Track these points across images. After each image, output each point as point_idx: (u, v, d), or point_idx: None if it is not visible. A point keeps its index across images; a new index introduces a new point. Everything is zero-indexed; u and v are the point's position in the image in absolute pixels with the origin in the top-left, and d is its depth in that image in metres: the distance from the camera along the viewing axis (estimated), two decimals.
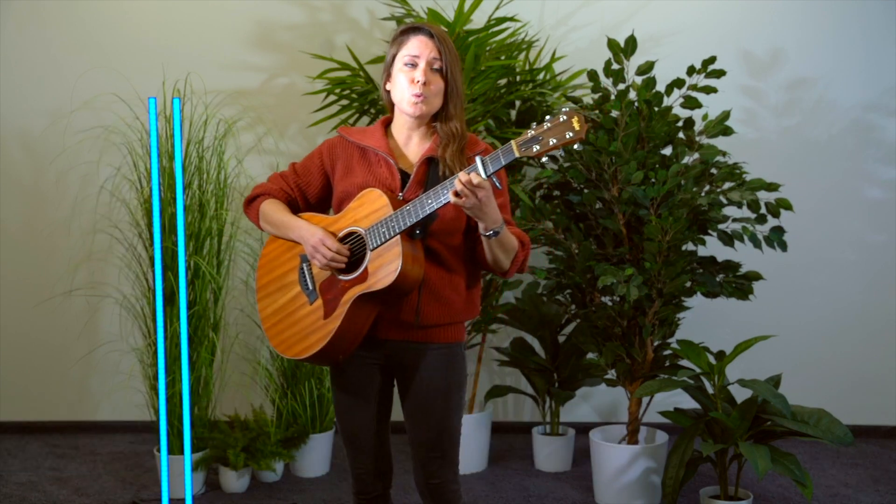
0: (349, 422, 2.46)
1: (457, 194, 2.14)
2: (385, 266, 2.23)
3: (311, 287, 2.36)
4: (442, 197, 2.19)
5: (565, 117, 2.11)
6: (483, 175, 2.14)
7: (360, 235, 2.30)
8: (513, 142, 2.14)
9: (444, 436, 2.41)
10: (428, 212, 2.20)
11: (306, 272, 2.38)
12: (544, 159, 3.60)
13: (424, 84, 2.30)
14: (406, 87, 2.32)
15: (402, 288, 2.25)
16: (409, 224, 2.22)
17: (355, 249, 2.31)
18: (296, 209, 2.47)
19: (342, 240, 2.33)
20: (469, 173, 2.14)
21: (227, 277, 3.91)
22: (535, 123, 2.16)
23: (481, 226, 2.23)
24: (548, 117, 2.14)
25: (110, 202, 4.08)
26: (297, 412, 3.91)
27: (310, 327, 2.34)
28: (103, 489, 3.81)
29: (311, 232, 2.33)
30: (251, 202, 2.50)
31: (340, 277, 2.30)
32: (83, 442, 4.41)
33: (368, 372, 2.43)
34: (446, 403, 2.40)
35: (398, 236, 2.23)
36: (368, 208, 2.29)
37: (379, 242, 2.25)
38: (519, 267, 2.38)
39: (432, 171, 2.32)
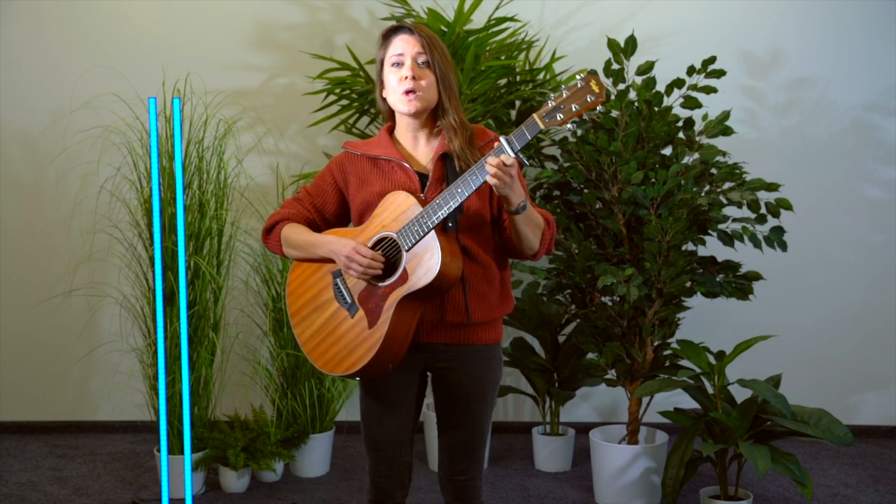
0: (378, 430, 2.43)
1: (493, 176, 2.13)
2: (424, 263, 2.20)
3: (349, 300, 2.31)
4: (472, 183, 2.17)
5: (583, 83, 2.10)
6: (511, 154, 2.14)
7: (391, 239, 2.27)
8: (535, 115, 2.13)
9: (476, 436, 2.41)
10: (460, 200, 2.18)
11: (342, 286, 2.33)
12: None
13: (414, 79, 2.29)
14: (397, 87, 2.32)
15: (444, 282, 2.22)
16: (442, 216, 2.19)
17: (388, 254, 2.28)
18: (315, 230, 2.43)
19: (373, 247, 2.29)
20: (498, 155, 2.13)
21: (227, 277, 3.91)
22: (552, 94, 2.15)
23: (508, 205, 2.21)
24: (563, 86, 2.13)
25: (110, 202, 4.08)
26: (297, 412, 3.91)
27: (355, 340, 2.29)
28: (103, 489, 3.81)
29: (342, 244, 2.29)
30: (270, 231, 2.44)
31: (379, 284, 2.27)
32: (83, 442, 4.41)
33: (404, 378, 2.39)
34: (483, 405, 2.39)
35: (433, 231, 2.20)
36: (396, 211, 2.27)
37: (414, 241, 2.22)
38: (547, 246, 2.36)
39: (449, 168, 2.31)
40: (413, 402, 2.44)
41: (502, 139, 2.15)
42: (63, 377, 4.54)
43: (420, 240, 2.21)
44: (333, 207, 2.45)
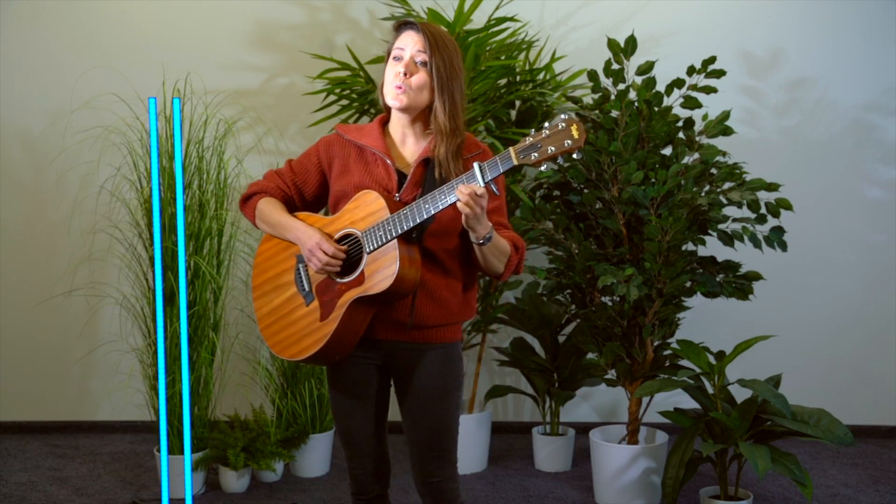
0: (347, 423, 2.46)
1: (465, 205, 2.14)
2: (382, 270, 2.23)
3: (307, 288, 2.36)
4: (440, 202, 2.18)
5: (564, 125, 2.10)
6: (481, 183, 2.15)
7: (356, 238, 2.30)
8: (511, 149, 2.14)
9: (442, 435, 2.41)
10: (425, 216, 2.20)
11: (302, 273, 2.37)
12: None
13: (405, 76, 2.29)
14: (390, 80, 2.33)
15: (399, 291, 2.25)
16: (406, 228, 2.21)
17: (352, 251, 2.31)
18: (292, 207, 2.47)
19: (339, 241, 2.32)
20: (468, 182, 2.14)
21: (227, 277, 3.91)
22: (533, 130, 2.15)
23: (473, 235, 2.23)
24: (546, 124, 2.13)
25: (110, 202, 4.08)
26: (297, 412, 3.91)
27: (306, 329, 2.34)
28: (103, 489, 3.81)
29: (308, 234, 2.32)
30: (247, 200, 2.49)
31: (337, 280, 2.30)
32: (83, 442, 4.41)
33: (366, 373, 2.42)
34: (444, 403, 2.40)
35: (395, 240, 2.23)
36: (365, 210, 2.29)
37: (376, 245, 2.25)
38: (513, 270, 2.38)
39: (429, 173, 2.31)
40: (377, 395, 2.46)
41: (476, 166, 2.15)
42: (63, 377, 4.54)
43: (382, 245, 2.24)
44: (313, 188, 2.47)
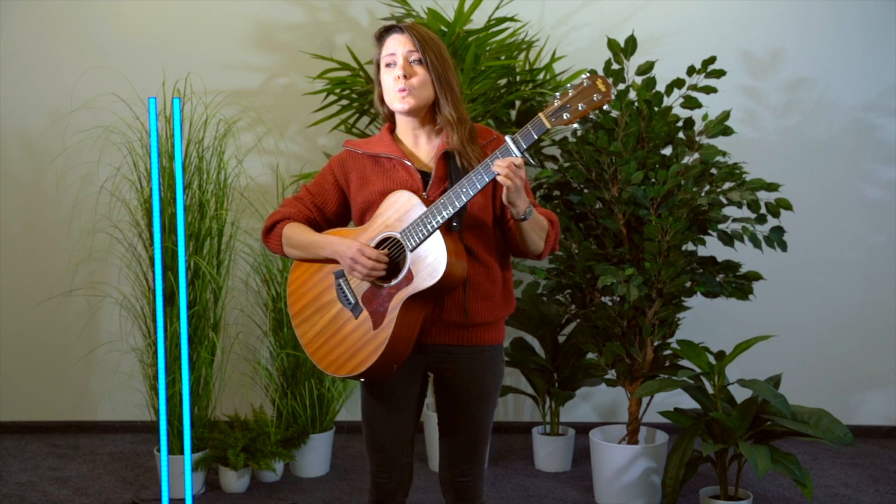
0: (380, 431, 2.42)
1: (506, 178, 2.12)
2: (429, 263, 2.19)
3: (353, 301, 2.30)
4: (478, 183, 2.16)
5: (589, 81, 2.10)
6: (517, 153, 2.13)
7: (395, 240, 2.26)
8: (541, 114, 2.13)
9: (478, 437, 2.41)
10: (465, 200, 2.17)
11: (345, 287, 2.31)
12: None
13: (406, 77, 2.28)
14: (391, 86, 2.31)
15: (448, 283, 2.21)
16: (447, 217, 2.18)
17: (392, 254, 2.27)
18: (316, 229, 2.41)
19: (376, 247, 2.28)
20: (504, 156, 2.13)
21: (227, 277, 3.91)
22: (558, 93, 2.13)
23: (514, 211, 2.20)
24: (569, 85, 2.12)
25: (110, 202, 4.08)
26: (297, 412, 3.91)
27: (359, 341, 2.28)
28: (103, 489, 3.81)
29: (345, 245, 2.27)
30: (270, 230, 2.42)
31: (384, 285, 2.25)
32: (83, 442, 4.41)
33: (407, 380, 2.38)
34: (485, 406, 2.39)
35: (438, 231, 2.19)
36: (399, 210, 2.26)
37: (418, 241, 2.21)
38: (552, 246, 2.36)
39: (452, 165, 2.30)
40: (415, 403, 2.43)
41: (508, 139, 2.14)
42: (63, 377, 4.54)
43: (424, 240, 2.20)
44: (335, 206, 2.43)
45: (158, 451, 3.68)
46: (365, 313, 2.28)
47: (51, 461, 4.15)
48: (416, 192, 2.28)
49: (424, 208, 2.21)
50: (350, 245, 2.26)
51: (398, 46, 2.31)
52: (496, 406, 2.45)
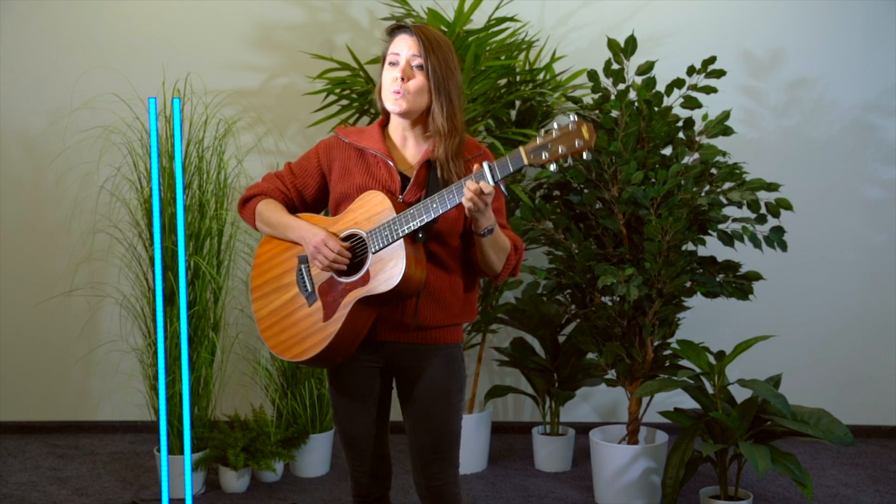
0: (348, 425, 2.46)
1: (469, 201, 2.14)
2: (388, 269, 2.22)
3: (309, 289, 2.34)
4: (448, 202, 2.18)
5: (574, 126, 2.11)
6: (491, 182, 2.14)
7: (361, 238, 2.29)
8: (521, 149, 2.14)
9: (444, 438, 2.40)
10: (433, 216, 2.20)
11: (305, 274, 2.36)
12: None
13: (403, 80, 2.29)
14: (387, 85, 2.32)
15: (404, 291, 2.24)
16: (413, 228, 2.21)
17: (356, 251, 2.30)
18: (292, 210, 2.45)
19: (343, 241, 2.31)
20: (478, 181, 2.14)
21: (227, 277, 3.91)
22: (542, 130, 2.14)
23: (475, 225, 2.23)
24: (555, 125, 2.13)
25: (110, 202, 4.08)
26: (297, 412, 3.91)
27: (308, 329, 2.32)
28: (103, 489, 3.81)
29: (312, 232, 2.31)
30: (246, 202, 2.47)
31: (341, 280, 2.29)
32: (83, 442, 4.41)
33: (368, 375, 2.42)
34: (446, 405, 2.39)
35: (401, 240, 2.22)
36: (370, 210, 2.28)
37: (382, 245, 2.24)
38: (511, 271, 2.37)
39: (432, 174, 2.31)
40: (378, 397, 2.45)
41: (485, 165, 2.15)
42: (63, 377, 4.54)
43: (388, 245, 2.23)
44: (313, 191, 2.46)
45: (158, 451, 3.68)
46: (318, 303, 2.32)
47: (51, 461, 4.15)
48: (392, 193, 2.31)
49: (394, 214, 2.24)
50: (317, 233, 2.30)
51: (404, 47, 2.31)
52: (461, 407, 2.45)
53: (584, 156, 2.12)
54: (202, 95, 4.06)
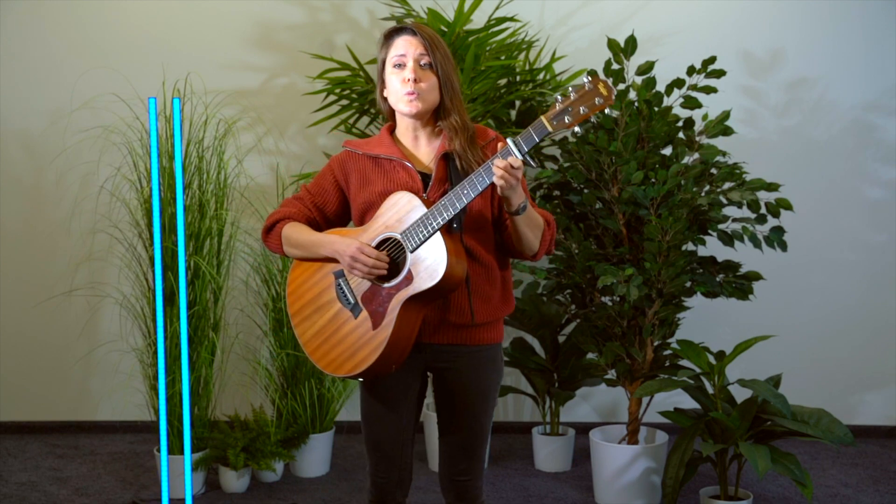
0: (378, 430, 2.42)
1: (500, 178, 2.13)
2: (430, 265, 2.20)
3: (352, 301, 2.30)
4: (479, 185, 2.17)
5: (591, 85, 2.11)
6: (518, 156, 2.14)
7: (395, 240, 2.27)
8: (542, 117, 2.13)
9: (477, 437, 2.41)
10: (466, 202, 2.18)
11: (344, 287, 2.31)
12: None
13: (415, 81, 2.29)
14: (399, 88, 2.31)
15: (449, 284, 2.22)
16: (448, 218, 2.19)
17: (392, 255, 2.28)
18: (316, 229, 2.42)
19: (377, 247, 2.28)
20: (505, 158, 2.13)
21: (227, 277, 3.91)
22: (559, 96, 2.13)
23: (507, 205, 2.21)
24: (571, 87, 2.13)
25: (110, 202, 4.08)
26: (297, 412, 3.91)
27: (359, 341, 2.28)
28: (103, 489, 3.81)
29: (346, 244, 2.27)
30: (270, 230, 2.43)
31: (384, 286, 2.26)
32: (83, 442, 4.41)
33: (406, 379, 2.39)
34: (484, 405, 2.39)
35: (438, 232, 2.20)
36: (399, 211, 2.26)
37: (419, 242, 2.22)
38: (548, 247, 2.36)
39: (452, 167, 2.31)
40: (414, 402, 2.43)
41: (510, 141, 2.15)
42: (63, 377, 4.54)
43: (425, 241, 2.21)
44: (334, 206, 2.43)
45: (158, 451, 3.68)
46: (364, 313, 2.28)
47: (51, 461, 4.15)
48: (416, 193, 2.28)
49: (425, 209, 2.22)
50: (350, 244, 2.26)
51: (409, 48, 2.31)
52: (495, 405, 2.45)
53: (607, 111, 2.12)
54: (202, 95, 4.06)
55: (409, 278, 2.22)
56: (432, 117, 2.36)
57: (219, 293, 3.82)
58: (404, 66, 2.31)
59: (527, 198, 2.25)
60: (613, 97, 2.10)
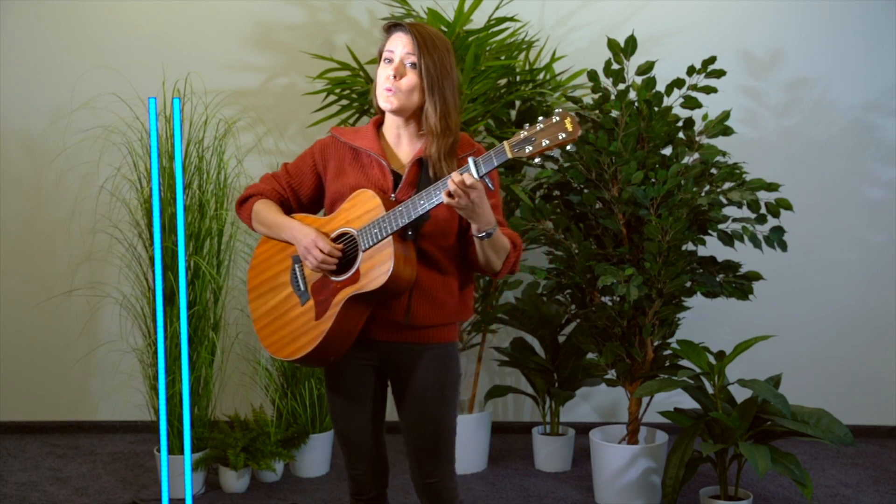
0: (344, 424, 2.46)
1: (450, 195, 2.15)
2: (377, 267, 2.24)
3: (302, 288, 2.36)
4: (434, 198, 2.19)
5: (558, 118, 2.12)
6: (476, 176, 2.15)
7: (352, 236, 2.31)
8: (505, 143, 2.15)
9: (439, 436, 2.41)
10: (420, 213, 2.21)
11: (298, 273, 2.38)
12: (538, 160, 3.60)
13: (395, 78, 2.30)
14: (380, 83, 2.33)
15: (394, 289, 2.26)
16: (401, 225, 2.22)
17: (347, 250, 2.32)
18: (288, 210, 2.47)
19: (334, 240, 2.33)
20: (462, 174, 2.14)
21: (227, 277, 3.91)
22: (527, 124, 2.17)
23: (474, 227, 2.24)
24: (541, 118, 2.15)
25: (110, 202, 4.08)
26: (297, 412, 3.91)
27: (301, 328, 2.34)
28: (103, 489, 3.81)
29: (303, 233, 2.33)
30: (244, 203, 2.49)
31: (332, 278, 2.31)
32: (83, 442, 4.41)
33: (362, 373, 2.43)
34: (441, 403, 2.40)
35: (390, 237, 2.23)
36: (361, 209, 2.30)
37: (371, 243, 2.25)
38: (510, 269, 2.38)
39: (423, 173, 2.33)
40: (374, 395, 2.46)
41: (470, 160, 2.16)
42: (63, 377, 4.54)
43: (377, 243, 2.25)
44: (309, 191, 2.48)
45: (158, 451, 3.68)
46: (311, 302, 2.34)
47: (51, 461, 4.15)
48: (385, 192, 2.32)
49: (384, 212, 2.25)
50: (308, 233, 2.32)
51: (399, 45, 2.32)
52: (456, 405, 2.45)
53: (569, 147, 2.13)
54: (202, 95, 4.06)
55: (356, 277, 2.27)
56: (417, 118, 2.37)
57: (219, 293, 3.82)
58: (391, 61, 2.32)
59: (496, 225, 2.26)
60: (577, 135, 2.10)
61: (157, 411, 3.75)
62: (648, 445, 3.61)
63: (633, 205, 3.48)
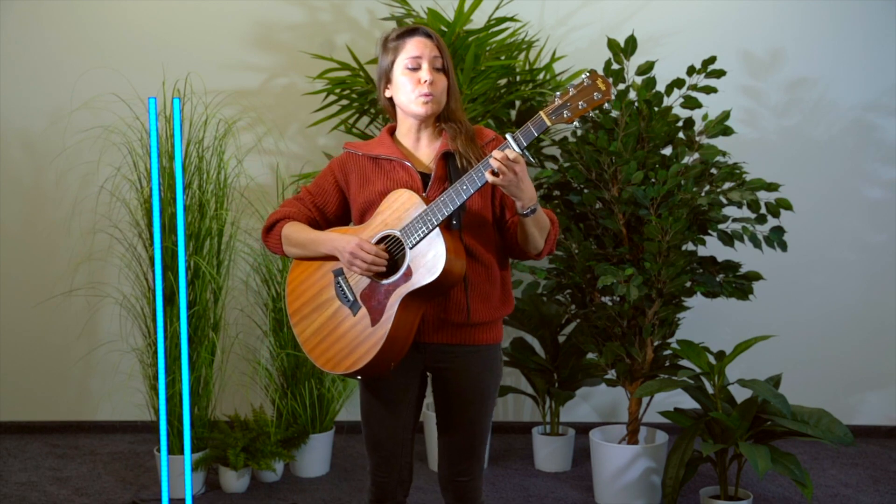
0: (378, 430, 2.43)
1: (493, 173, 2.13)
2: (428, 260, 2.20)
3: (351, 298, 2.31)
4: (478, 180, 2.17)
5: (590, 80, 2.13)
6: (517, 149, 2.14)
7: (394, 237, 2.27)
8: (541, 112, 2.15)
9: (476, 437, 2.41)
10: (465, 198, 2.19)
11: (343, 285, 2.32)
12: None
13: (431, 83, 2.30)
14: (412, 90, 2.32)
15: (448, 280, 2.22)
16: (447, 213, 2.19)
17: (391, 252, 2.28)
18: (316, 228, 2.43)
19: (376, 244, 2.29)
20: (503, 150, 2.14)
21: (227, 277, 3.91)
22: (558, 93, 2.16)
23: (518, 204, 2.21)
24: (570, 84, 2.15)
25: (110, 202, 4.08)
26: (297, 412, 3.91)
27: (357, 338, 2.28)
28: (103, 489, 3.81)
29: (345, 241, 2.28)
30: (270, 230, 2.44)
31: (382, 282, 2.26)
32: (83, 442, 4.41)
33: (405, 378, 2.39)
34: (483, 406, 2.40)
35: (437, 229, 2.21)
36: (399, 209, 2.27)
37: (418, 239, 2.22)
38: (551, 246, 2.37)
39: (452, 166, 2.32)
40: (413, 401, 2.44)
41: (509, 136, 2.16)
42: (63, 377, 4.54)
43: (424, 237, 2.21)
44: (334, 207, 2.45)
45: (158, 451, 3.68)
46: (363, 310, 2.29)
47: (51, 461, 4.15)
48: (416, 192, 2.29)
49: (424, 206, 2.22)
50: (350, 240, 2.27)
51: (424, 50, 2.32)
52: (495, 405, 2.46)
53: (605, 106, 2.14)
54: (202, 95, 4.06)
55: (409, 274, 2.23)
56: (435, 118, 2.38)
57: (219, 293, 3.82)
58: (419, 67, 2.32)
59: (537, 201, 2.25)
60: (612, 93, 2.12)
61: (157, 411, 3.75)
62: (648, 445, 3.61)
63: (633, 205, 3.48)
